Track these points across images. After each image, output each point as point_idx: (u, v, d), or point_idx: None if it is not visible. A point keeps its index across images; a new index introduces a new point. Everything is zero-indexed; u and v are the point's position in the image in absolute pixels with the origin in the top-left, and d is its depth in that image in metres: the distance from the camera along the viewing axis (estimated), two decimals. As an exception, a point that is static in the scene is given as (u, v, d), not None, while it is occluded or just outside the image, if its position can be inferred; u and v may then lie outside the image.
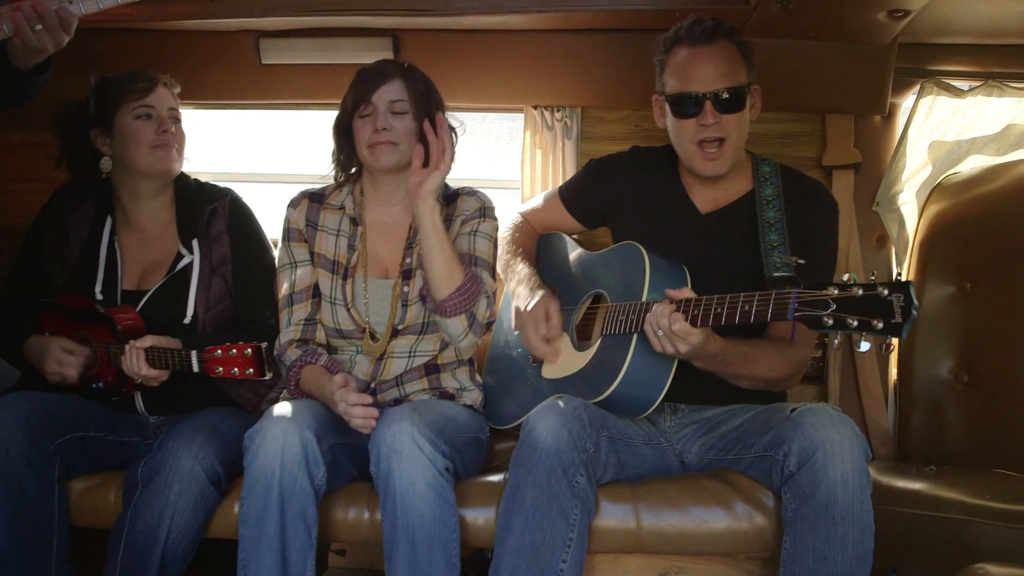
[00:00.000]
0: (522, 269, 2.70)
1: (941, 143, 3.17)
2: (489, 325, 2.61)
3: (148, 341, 2.49)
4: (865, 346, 1.90)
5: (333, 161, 2.68)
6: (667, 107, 2.51)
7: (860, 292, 1.87)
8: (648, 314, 2.22)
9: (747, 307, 2.08)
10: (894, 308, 1.82)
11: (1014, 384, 2.89)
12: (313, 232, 2.69)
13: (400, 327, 2.62)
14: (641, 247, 2.48)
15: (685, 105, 2.46)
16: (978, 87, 3.12)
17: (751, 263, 2.43)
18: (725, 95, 2.42)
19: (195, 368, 2.44)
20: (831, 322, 1.90)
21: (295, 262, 2.68)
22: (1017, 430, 2.86)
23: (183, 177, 2.85)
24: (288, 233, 2.69)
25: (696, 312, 2.17)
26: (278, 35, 3.20)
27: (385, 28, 3.14)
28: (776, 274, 2.32)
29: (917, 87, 3.16)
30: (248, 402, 2.75)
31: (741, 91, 2.45)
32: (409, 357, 2.65)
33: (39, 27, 2.22)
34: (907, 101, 3.23)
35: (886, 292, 1.84)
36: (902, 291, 1.82)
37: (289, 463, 2.26)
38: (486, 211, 2.67)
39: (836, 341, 1.97)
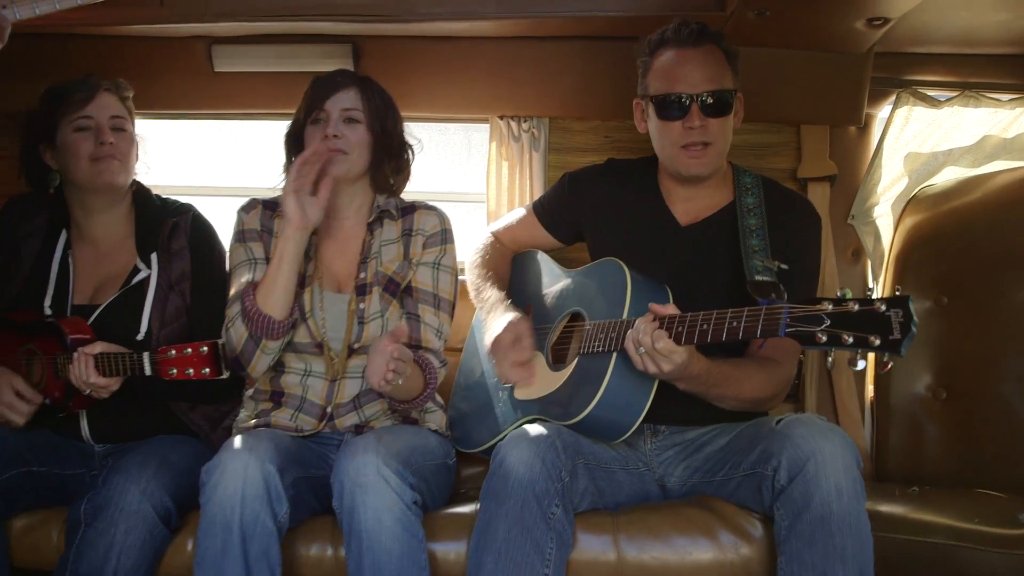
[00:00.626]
0: (491, 296, 2.62)
1: (917, 155, 3.14)
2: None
3: (98, 347, 2.37)
4: (861, 364, 1.83)
5: (284, 172, 2.57)
6: (651, 109, 2.45)
7: (856, 307, 1.79)
8: (630, 331, 2.13)
9: (735, 323, 2.00)
10: (892, 324, 1.74)
11: (993, 400, 2.86)
12: (269, 238, 2.57)
13: (356, 346, 2.51)
14: (622, 263, 2.40)
15: (671, 107, 2.40)
16: (954, 97, 3.09)
17: (734, 276, 2.35)
18: (711, 99, 2.37)
19: (148, 370, 2.31)
20: (825, 339, 1.82)
21: (254, 259, 2.54)
22: (997, 447, 2.83)
23: (142, 189, 2.75)
24: (243, 234, 2.57)
25: (680, 329, 2.08)
26: (231, 41, 3.09)
27: (344, 35, 3.03)
28: (758, 277, 2.25)
29: (893, 97, 3.13)
30: (201, 429, 2.63)
31: (727, 95, 2.41)
32: (363, 379, 2.52)
33: None
34: (883, 112, 3.19)
35: (884, 307, 1.75)
36: (900, 306, 1.74)
37: (251, 499, 2.13)
38: (446, 235, 2.60)
39: (830, 359, 1.88)
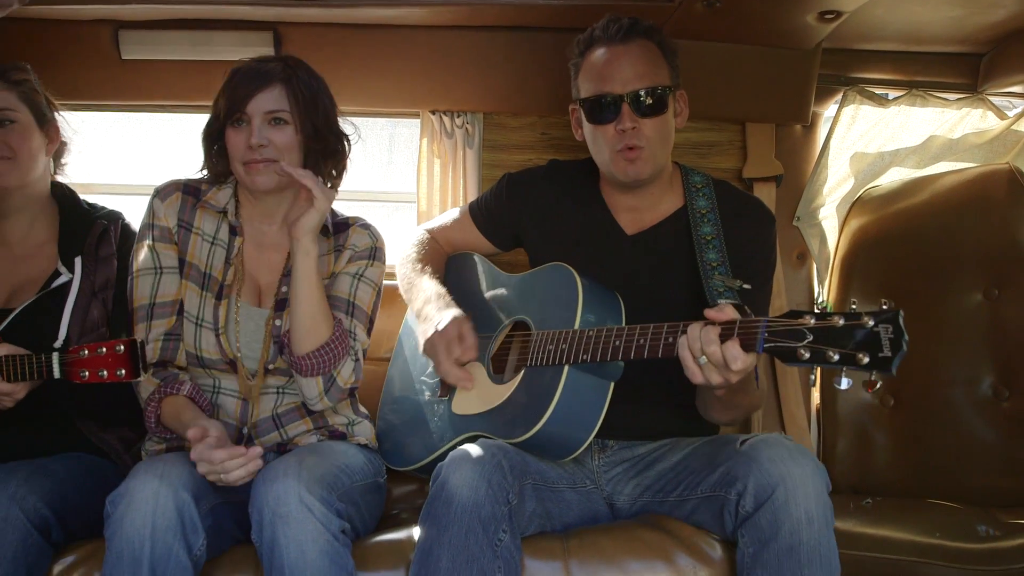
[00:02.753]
0: (429, 287, 2.44)
1: (863, 155, 3.12)
2: (352, 391, 2.39)
3: (3, 350, 2.16)
4: (846, 383, 1.70)
5: (203, 170, 2.39)
6: (582, 113, 2.33)
7: (841, 322, 1.67)
8: (683, 338, 1.90)
9: (744, 335, 1.85)
10: (881, 340, 1.63)
11: (942, 407, 2.85)
12: (186, 235, 2.36)
13: (271, 367, 2.33)
14: (572, 269, 2.26)
15: (601, 109, 2.28)
16: (901, 96, 3.09)
17: (688, 288, 2.25)
18: (644, 97, 2.25)
19: (56, 373, 2.13)
20: (808, 355, 1.69)
21: (160, 267, 2.34)
22: (947, 456, 2.83)
23: (66, 191, 2.58)
24: (153, 230, 2.35)
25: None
26: (140, 26, 2.92)
27: (265, 20, 2.89)
28: (720, 301, 2.12)
29: (840, 95, 3.10)
30: (113, 449, 2.47)
31: (662, 92, 2.27)
32: (278, 394, 2.36)
33: None
34: (829, 110, 3.17)
35: (872, 323, 1.65)
36: (890, 322, 1.64)
37: (162, 531, 1.96)
38: (376, 253, 2.43)
39: (814, 376, 1.75)
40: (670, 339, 1.92)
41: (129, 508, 1.96)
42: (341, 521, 2.04)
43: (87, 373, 2.09)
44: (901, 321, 1.62)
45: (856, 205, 3.12)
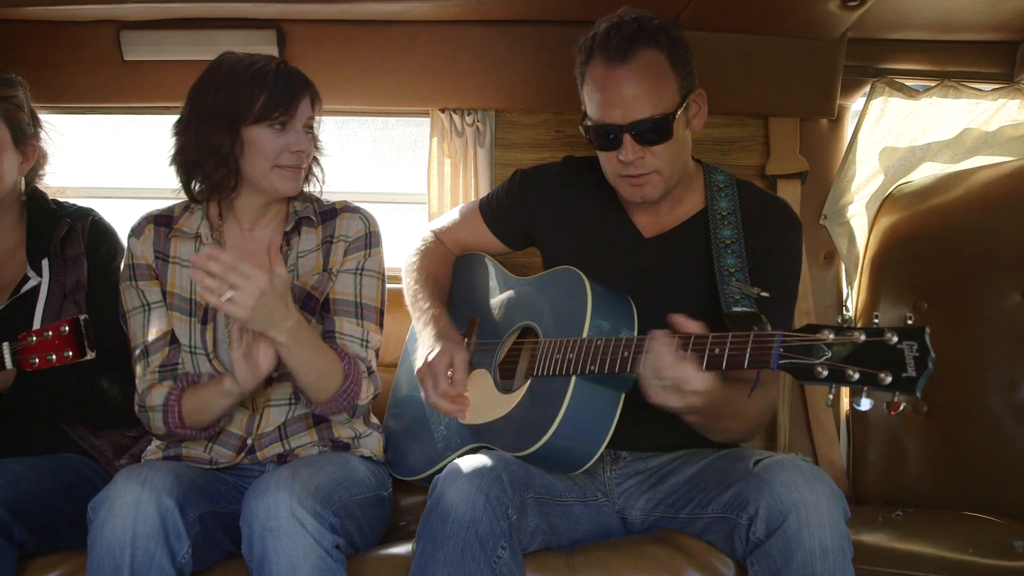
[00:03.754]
0: (429, 308, 2.37)
1: (893, 149, 3.02)
2: (375, 398, 2.33)
3: None
4: (866, 404, 1.58)
5: (201, 181, 2.26)
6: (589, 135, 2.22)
7: (863, 338, 1.56)
8: (645, 356, 1.85)
9: (717, 351, 1.77)
10: (906, 359, 1.51)
11: (979, 413, 2.73)
12: (164, 266, 2.32)
13: (276, 374, 2.26)
14: (581, 274, 2.17)
15: (603, 138, 2.14)
16: (933, 87, 2.98)
17: (706, 294, 2.14)
18: (646, 127, 2.09)
19: (8, 363, 2.12)
20: (826, 373, 1.59)
21: (147, 304, 2.31)
22: (984, 465, 2.70)
23: (36, 193, 2.54)
24: (134, 270, 2.33)
25: (701, 351, 1.81)
26: (142, 26, 2.89)
27: (267, 18, 2.86)
28: (736, 309, 2.03)
29: (867, 88, 3.00)
30: (102, 454, 2.45)
31: (666, 120, 2.09)
32: (290, 405, 2.31)
33: None
34: (856, 103, 3.08)
35: (895, 339, 1.53)
36: (916, 338, 1.52)
37: (143, 538, 1.92)
38: (371, 238, 2.36)
39: (830, 396, 1.64)
40: (681, 351, 1.81)
41: (110, 515, 1.94)
42: (335, 536, 1.98)
43: (37, 360, 2.08)
44: (927, 338, 1.51)
45: (886, 202, 3.03)
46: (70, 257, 2.45)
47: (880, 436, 2.88)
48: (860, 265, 3.04)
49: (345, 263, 2.32)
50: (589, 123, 2.16)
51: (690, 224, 2.28)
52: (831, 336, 1.59)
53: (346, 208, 2.37)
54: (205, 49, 2.83)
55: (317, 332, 2.23)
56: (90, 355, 2.09)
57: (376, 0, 2.71)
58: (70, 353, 2.06)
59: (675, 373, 1.77)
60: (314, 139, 2.28)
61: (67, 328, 2.06)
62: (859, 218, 3.04)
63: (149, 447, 2.37)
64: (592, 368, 1.98)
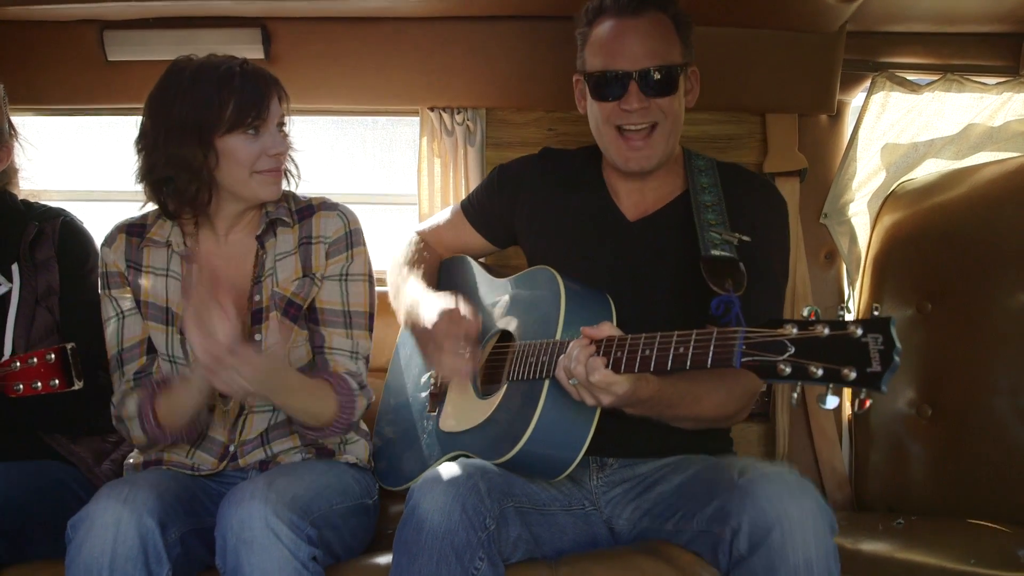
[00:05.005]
0: (414, 290, 2.33)
1: (895, 146, 2.97)
2: (367, 408, 2.31)
3: None
4: (832, 402, 1.51)
5: (173, 195, 2.18)
6: (587, 88, 2.22)
7: (826, 331, 1.50)
8: (561, 357, 1.86)
9: (682, 349, 1.72)
10: (870, 353, 1.44)
11: (984, 417, 2.69)
12: (137, 275, 2.28)
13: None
14: (555, 273, 2.13)
15: (608, 86, 2.17)
16: (936, 81, 2.93)
17: (691, 276, 2.09)
18: (655, 75, 2.15)
19: None
20: (789, 370, 1.53)
21: (121, 312, 2.28)
22: (990, 470, 2.66)
23: (3, 196, 2.49)
24: (107, 279, 2.30)
25: (620, 355, 1.79)
26: (125, 26, 2.87)
27: (252, 16, 2.84)
28: (714, 252, 2.02)
29: (868, 82, 2.96)
30: (81, 460, 2.43)
31: (674, 71, 2.17)
32: (272, 411, 2.27)
33: None
34: (857, 99, 3.03)
35: (859, 332, 1.46)
36: (880, 331, 1.45)
37: (122, 560, 1.90)
38: (352, 237, 2.31)
39: (795, 395, 1.58)
40: (647, 352, 1.78)
41: (89, 534, 1.90)
42: (311, 548, 1.95)
43: (21, 387, 2.05)
44: (892, 330, 1.44)
45: (889, 200, 2.99)
46: (40, 261, 2.41)
47: (883, 440, 2.84)
48: (862, 265, 3.00)
49: (329, 268, 2.28)
50: (594, 72, 2.19)
51: (674, 206, 2.28)
52: (794, 331, 1.53)
53: (323, 205, 2.32)
54: (190, 48, 2.69)
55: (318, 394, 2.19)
56: (78, 385, 2.05)
57: (362, -4, 2.68)
58: (56, 382, 2.03)
59: (581, 370, 1.80)
60: (286, 137, 2.24)
61: (53, 356, 2.02)
62: (861, 217, 3.00)
63: (132, 451, 2.33)
64: None
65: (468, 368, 2.11)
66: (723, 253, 2.03)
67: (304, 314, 2.27)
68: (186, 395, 2.11)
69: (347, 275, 2.28)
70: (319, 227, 2.28)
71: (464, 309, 2.11)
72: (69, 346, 2.04)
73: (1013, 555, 2.20)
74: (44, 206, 2.54)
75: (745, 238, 2.07)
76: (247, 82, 2.14)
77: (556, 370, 1.88)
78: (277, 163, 2.19)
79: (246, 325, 2.23)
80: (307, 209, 2.31)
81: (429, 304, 2.20)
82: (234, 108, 2.11)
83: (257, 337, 2.23)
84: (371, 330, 2.31)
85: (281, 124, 2.21)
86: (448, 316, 2.11)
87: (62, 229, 2.46)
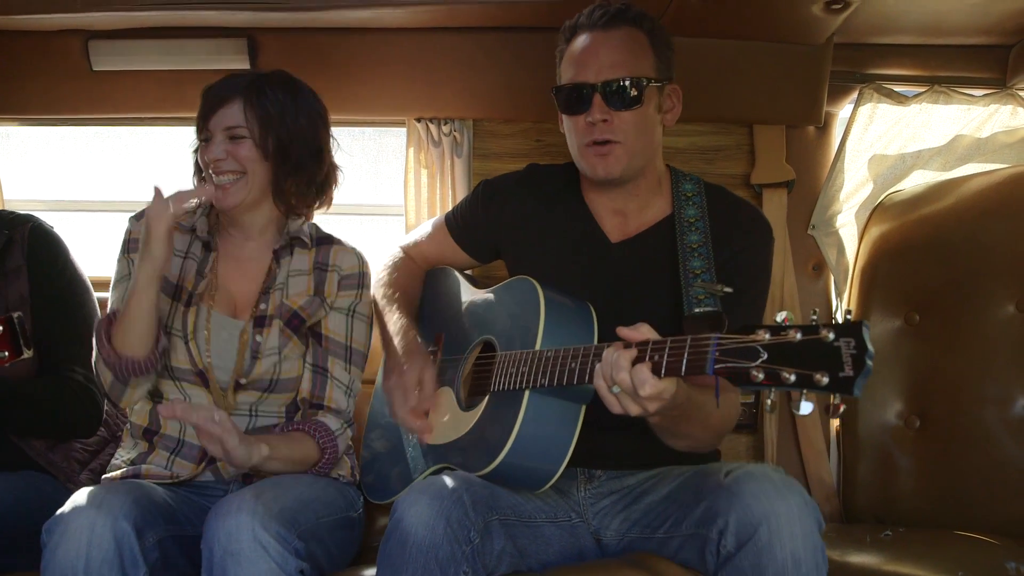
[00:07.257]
0: (398, 320, 2.33)
1: (883, 157, 2.97)
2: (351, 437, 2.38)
3: None
4: (807, 407, 1.50)
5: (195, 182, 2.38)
6: (556, 102, 2.21)
7: (798, 336, 1.47)
8: (598, 365, 1.78)
9: (656, 358, 1.69)
10: (842, 357, 1.42)
11: (972, 428, 2.68)
12: None
13: (244, 380, 2.26)
14: (535, 282, 2.11)
15: (572, 98, 2.15)
16: (923, 93, 2.93)
17: (672, 299, 2.09)
18: (616, 86, 2.10)
19: None
20: (762, 376, 1.50)
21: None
22: (978, 481, 2.65)
23: None
24: (129, 245, 2.33)
25: (658, 359, 1.73)
26: (111, 36, 2.85)
27: (238, 27, 2.83)
28: (697, 310, 1.99)
29: (855, 94, 2.95)
30: (60, 470, 2.41)
31: (638, 83, 2.12)
32: (251, 416, 2.29)
33: None
34: (844, 110, 3.03)
35: (831, 336, 1.44)
36: (852, 335, 1.42)
37: (97, 564, 1.87)
38: (364, 279, 2.39)
39: (770, 401, 1.56)
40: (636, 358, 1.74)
41: (63, 538, 1.89)
42: (299, 561, 1.93)
43: None
44: (865, 334, 1.41)
45: (876, 211, 2.98)
46: (10, 270, 2.39)
47: (871, 452, 2.82)
48: (850, 276, 2.99)
49: (339, 299, 2.34)
50: (562, 86, 2.18)
51: (657, 229, 2.24)
52: (767, 336, 1.50)
53: (341, 242, 2.41)
54: (175, 59, 2.86)
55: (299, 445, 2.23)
56: (27, 354, 2.01)
57: (348, 8, 2.66)
58: (6, 353, 1.99)
59: (627, 378, 1.71)
60: (254, 143, 2.24)
61: (0, 327, 1.99)
62: (848, 228, 2.99)
63: (113, 462, 2.33)
64: (544, 381, 1.92)
65: (423, 427, 2.17)
66: (705, 309, 2.00)
67: (306, 330, 2.31)
68: (134, 305, 2.13)
69: (354, 312, 2.35)
70: (335, 257, 2.36)
71: (430, 377, 2.18)
72: (16, 315, 2.01)
73: (1001, 567, 2.19)
74: (12, 213, 2.52)
75: (728, 289, 2.03)
76: (209, 94, 2.26)
77: (595, 380, 1.79)
78: (216, 170, 2.22)
79: (247, 327, 2.27)
80: (326, 239, 2.39)
81: (403, 350, 2.25)
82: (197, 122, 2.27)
83: (258, 339, 2.26)
84: (363, 369, 2.38)
85: (235, 136, 2.23)
86: (417, 375, 2.17)
87: (31, 234, 2.44)
